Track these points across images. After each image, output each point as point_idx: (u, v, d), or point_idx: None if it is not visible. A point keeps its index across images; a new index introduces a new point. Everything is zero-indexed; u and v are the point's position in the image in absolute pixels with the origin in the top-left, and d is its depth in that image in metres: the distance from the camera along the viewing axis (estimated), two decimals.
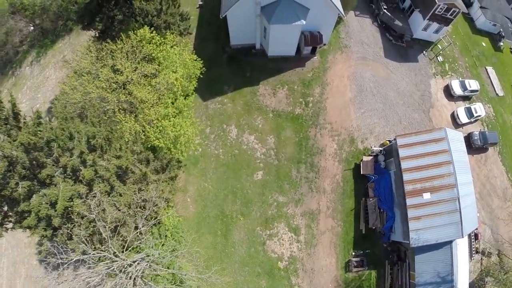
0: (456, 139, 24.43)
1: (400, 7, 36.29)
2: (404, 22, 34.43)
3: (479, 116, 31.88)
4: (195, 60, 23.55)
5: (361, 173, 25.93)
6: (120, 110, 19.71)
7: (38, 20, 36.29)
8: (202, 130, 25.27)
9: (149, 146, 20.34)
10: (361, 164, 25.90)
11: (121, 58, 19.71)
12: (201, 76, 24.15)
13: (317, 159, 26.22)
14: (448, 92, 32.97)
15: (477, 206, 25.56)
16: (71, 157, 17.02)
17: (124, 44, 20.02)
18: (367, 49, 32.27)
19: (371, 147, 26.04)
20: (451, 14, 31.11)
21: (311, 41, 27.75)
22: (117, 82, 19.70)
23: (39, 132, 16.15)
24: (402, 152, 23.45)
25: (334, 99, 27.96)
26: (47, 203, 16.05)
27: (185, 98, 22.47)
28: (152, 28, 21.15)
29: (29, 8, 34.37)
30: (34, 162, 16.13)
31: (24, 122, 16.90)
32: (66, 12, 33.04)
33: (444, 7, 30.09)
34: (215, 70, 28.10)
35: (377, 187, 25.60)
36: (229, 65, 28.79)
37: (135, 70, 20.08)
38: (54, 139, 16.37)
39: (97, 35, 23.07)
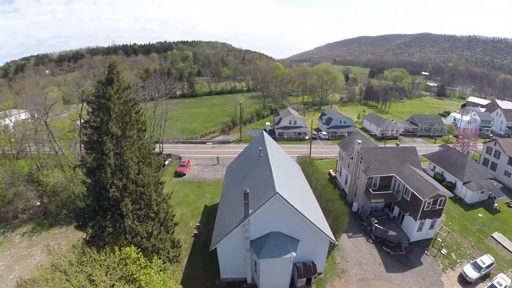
0: None
1: (390, 216, 37.81)
2: (397, 230, 34.81)
3: (506, 286, 28.58)
4: None
5: None
6: None
7: (46, 199, 38.46)
8: None
9: None
10: None
11: (99, 270, 18.39)
12: None
13: None
14: (464, 280, 29.93)
15: None
16: None
17: (107, 257, 19.17)
18: (366, 268, 30.82)
19: None
20: (439, 204, 32.19)
21: (305, 272, 26.49)
22: None
23: None
24: None
25: None
26: None
27: None
28: (140, 249, 20.69)
29: (42, 184, 37.17)
30: None
31: None
32: (72, 205, 34.67)
33: (430, 201, 31.44)
34: None
35: None
36: None
37: (112, 287, 18.40)
38: None
39: (87, 238, 22.74)
